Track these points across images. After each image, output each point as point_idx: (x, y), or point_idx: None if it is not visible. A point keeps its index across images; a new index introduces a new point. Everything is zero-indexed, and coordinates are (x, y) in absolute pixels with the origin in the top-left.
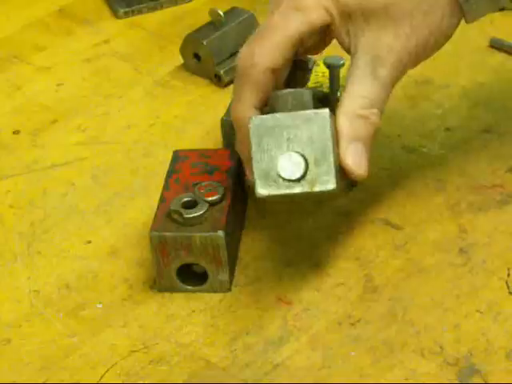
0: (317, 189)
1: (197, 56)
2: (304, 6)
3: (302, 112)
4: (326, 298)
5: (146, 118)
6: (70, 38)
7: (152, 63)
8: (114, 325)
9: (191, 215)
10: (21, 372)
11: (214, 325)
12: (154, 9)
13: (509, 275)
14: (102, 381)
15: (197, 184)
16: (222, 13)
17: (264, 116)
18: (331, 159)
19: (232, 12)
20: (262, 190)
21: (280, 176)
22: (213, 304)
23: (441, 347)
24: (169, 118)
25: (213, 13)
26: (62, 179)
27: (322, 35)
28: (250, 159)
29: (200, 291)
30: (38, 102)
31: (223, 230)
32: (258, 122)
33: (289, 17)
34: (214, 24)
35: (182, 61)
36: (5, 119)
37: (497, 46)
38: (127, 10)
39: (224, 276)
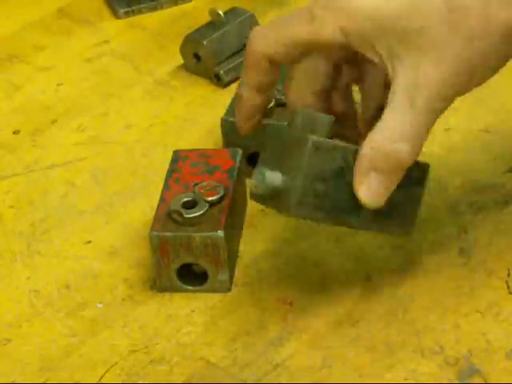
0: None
1: (197, 56)
2: (317, 17)
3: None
4: (326, 298)
5: (146, 118)
6: (69, 38)
7: (152, 63)
8: (113, 325)
9: (191, 215)
10: (21, 372)
11: (214, 325)
12: (154, 9)
13: (509, 275)
14: (102, 381)
15: (197, 184)
16: (222, 13)
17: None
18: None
19: (232, 12)
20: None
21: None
22: (213, 304)
23: (441, 347)
24: (169, 118)
25: (213, 13)
26: (62, 179)
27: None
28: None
29: (200, 291)
30: (38, 102)
31: (223, 229)
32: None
33: (303, 21)
34: (214, 24)
35: (181, 61)
36: (5, 119)
37: None
38: (127, 9)
39: (224, 276)
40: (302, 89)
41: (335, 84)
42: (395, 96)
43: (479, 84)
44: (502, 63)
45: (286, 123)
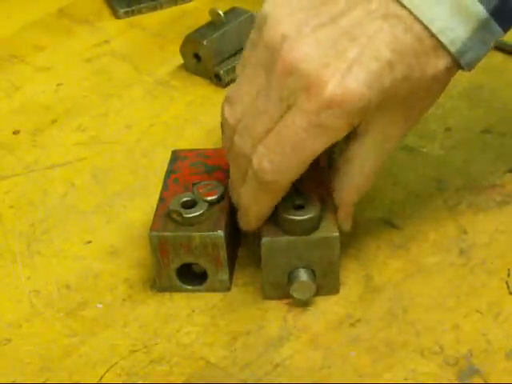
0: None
1: (197, 56)
2: (329, 126)
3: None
4: (326, 298)
5: (146, 118)
6: (69, 38)
7: (152, 63)
8: (113, 325)
9: (191, 215)
10: (21, 372)
11: (214, 325)
12: (154, 9)
13: (509, 275)
14: (102, 381)
15: (196, 184)
16: (222, 13)
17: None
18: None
19: (232, 12)
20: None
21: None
22: (213, 304)
23: (441, 347)
24: (169, 118)
25: (213, 13)
26: (61, 179)
27: None
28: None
29: (200, 291)
30: (38, 101)
31: (223, 229)
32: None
33: (316, 135)
34: (214, 24)
35: (181, 61)
36: (5, 119)
37: (497, 45)
38: (127, 9)
39: (224, 276)
40: (262, 208)
41: None
42: (365, 145)
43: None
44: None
45: None
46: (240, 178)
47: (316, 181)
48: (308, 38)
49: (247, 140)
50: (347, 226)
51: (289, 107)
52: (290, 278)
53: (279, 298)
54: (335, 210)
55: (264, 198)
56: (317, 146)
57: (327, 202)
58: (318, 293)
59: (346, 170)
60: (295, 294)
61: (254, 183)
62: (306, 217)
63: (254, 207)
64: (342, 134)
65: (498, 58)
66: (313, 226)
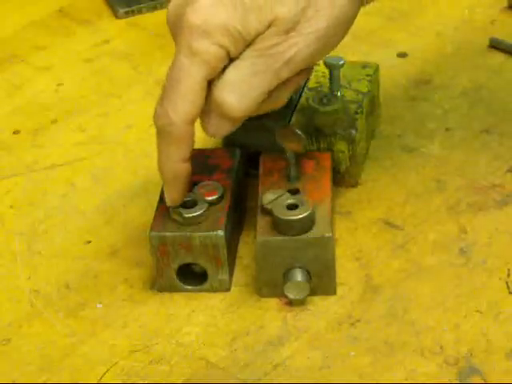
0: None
1: None
2: (197, 51)
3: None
4: (325, 298)
5: (146, 118)
6: (69, 38)
7: (152, 63)
8: (113, 325)
9: (191, 215)
10: (21, 372)
11: (214, 325)
12: (153, 9)
13: (509, 275)
14: (102, 381)
15: (196, 184)
16: None
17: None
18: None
19: None
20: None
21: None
22: (213, 304)
23: (441, 347)
24: None
25: None
26: (61, 179)
27: None
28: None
29: (200, 291)
30: (38, 102)
31: (223, 229)
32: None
33: (188, 65)
34: None
35: None
36: (5, 119)
37: (497, 45)
38: (127, 9)
39: (224, 276)
40: (171, 160)
41: None
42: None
43: (335, 46)
44: (351, 22)
45: (283, 123)
46: (161, 143)
47: (312, 181)
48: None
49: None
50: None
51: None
52: (285, 277)
53: (276, 296)
54: (330, 210)
55: (170, 147)
56: (195, 73)
57: (322, 203)
58: (314, 293)
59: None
60: (289, 294)
61: (158, 136)
62: (299, 217)
63: (165, 161)
64: (217, 59)
65: (498, 58)
66: (307, 226)
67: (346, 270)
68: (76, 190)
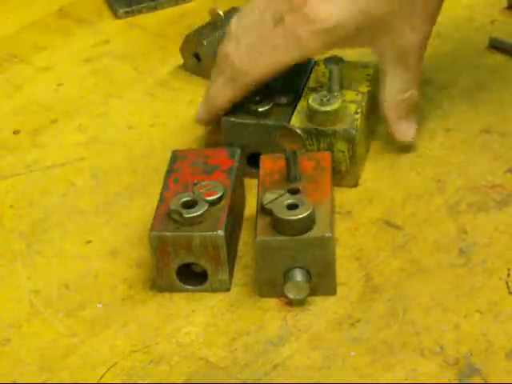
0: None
1: (197, 56)
2: (302, 39)
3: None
4: (325, 298)
5: (146, 118)
6: (70, 38)
7: (152, 63)
8: (113, 325)
9: (191, 215)
10: (21, 372)
11: (214, 325)
12: (154, 9)
13: (509, 275)
14: (102, 381)
15: (196, 184)
16: (222, 13)
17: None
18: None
19: (232, 12)
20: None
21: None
22: (213, 304)
23: (441, 347)
24: (169, 118)
25: (213, 13)
26: (61, 179)
27: None
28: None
29: (200, 291)
30: (38, 102)
31: (223, 229)
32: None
33: (289, 45)
34: (214, 24)
35: (182, 61)
36: (5, 119)
37: (497, 45)
38: (127, 9)
39: (224, 276)
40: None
41: None
42: (390, 62)
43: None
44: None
45: (283, 123)
46: (217, 73)
47: (312, 181)
48: None
49: (233, 41)
50: (402, 136)
51: (275, 25)
52: (285, 277)
53: (276, 296)
54: (330, 210)
55: (229, 89)
56: (288, 56)
57: (322, 203)
58: (314, 293)
59: (384, 88)
60: (289, 294)
61: (228, 71)
62: (299, 217)
63: (218, 97)
64: (314, 51)
65: (498, 58)
66: (307, 226)
67: (346, 269)
68: (76, 190)
